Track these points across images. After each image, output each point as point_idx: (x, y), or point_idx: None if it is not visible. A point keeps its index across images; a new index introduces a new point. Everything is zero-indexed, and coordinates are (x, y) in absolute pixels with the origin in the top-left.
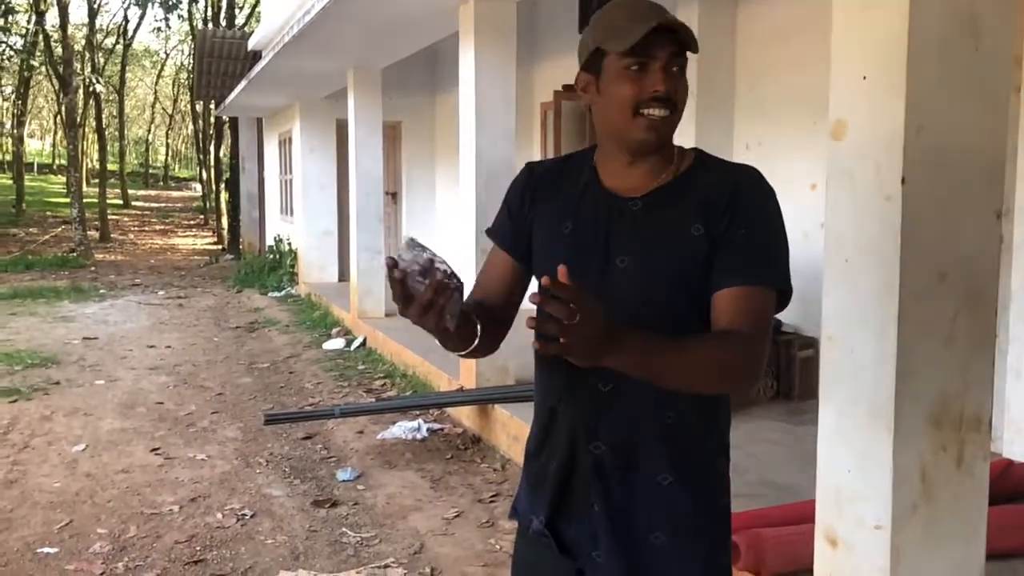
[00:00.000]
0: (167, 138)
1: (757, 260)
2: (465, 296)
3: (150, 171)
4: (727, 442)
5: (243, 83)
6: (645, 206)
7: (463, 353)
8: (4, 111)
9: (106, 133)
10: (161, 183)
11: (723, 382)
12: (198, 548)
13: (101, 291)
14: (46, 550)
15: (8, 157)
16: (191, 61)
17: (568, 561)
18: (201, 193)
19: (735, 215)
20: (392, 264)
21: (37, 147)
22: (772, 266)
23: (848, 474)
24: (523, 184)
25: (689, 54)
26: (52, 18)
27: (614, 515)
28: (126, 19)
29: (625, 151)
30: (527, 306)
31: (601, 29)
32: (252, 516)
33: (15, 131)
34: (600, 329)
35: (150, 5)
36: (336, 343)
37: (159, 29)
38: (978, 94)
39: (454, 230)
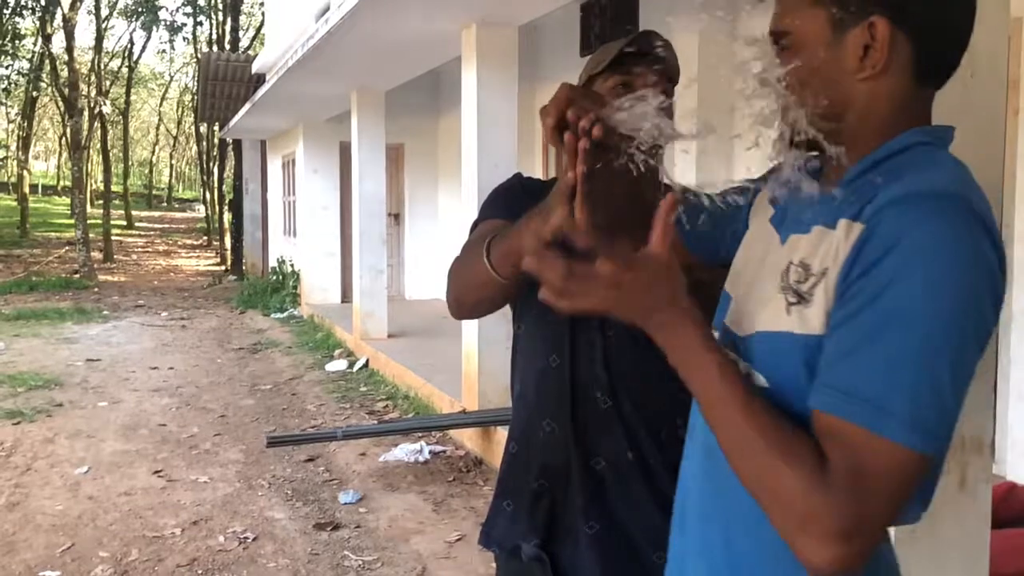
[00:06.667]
0: (171, 160)
1: None
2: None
3: (154, 192)
4: None
5: (247, 106)
6: None
7: (506, 280)
8: (9, 133)
9: (111, 155)
10: (165, 204)
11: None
12: (200, 571)
13: (104, 312)
14: (48, 573)
15: (13, 179)
16: (195, 83)
17: None
18: (204, 214)
19: None
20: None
21: (42, 168)
22: None
23: None
24: (519, 186)
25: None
26: (59, 41)
27: (615, 533)
28: (131, 42)
29: None
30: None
31: (591, 61)
32: (254, 539)
33: (20, 153)
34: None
35: (155, 28)
36: (338, 365)
37: (164, 51)
38: (974, 119)
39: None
